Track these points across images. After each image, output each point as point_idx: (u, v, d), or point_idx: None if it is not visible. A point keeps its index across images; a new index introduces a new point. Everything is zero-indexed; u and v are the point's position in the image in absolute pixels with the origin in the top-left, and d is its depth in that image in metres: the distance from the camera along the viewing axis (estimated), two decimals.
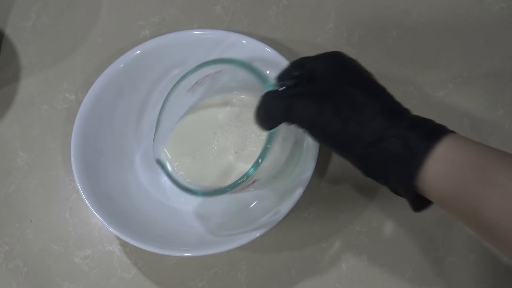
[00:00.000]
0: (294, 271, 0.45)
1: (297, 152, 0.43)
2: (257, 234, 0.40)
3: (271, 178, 0.42)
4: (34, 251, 0.47)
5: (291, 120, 0.35)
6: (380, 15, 0.55)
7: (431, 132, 0.31)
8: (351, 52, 0.53)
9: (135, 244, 0.41)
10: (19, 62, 0.56)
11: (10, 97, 0.54)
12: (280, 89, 0.36)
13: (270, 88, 0.36)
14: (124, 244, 0.47)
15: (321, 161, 0.48)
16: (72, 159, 0.44)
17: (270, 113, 0.35)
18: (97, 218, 0.42)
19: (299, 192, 0.42)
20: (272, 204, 0.44)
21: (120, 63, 0.48)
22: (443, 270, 0.44)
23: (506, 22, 0.53)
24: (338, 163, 0.49)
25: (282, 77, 0.37)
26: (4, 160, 0.51)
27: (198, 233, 0.45)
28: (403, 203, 0.47)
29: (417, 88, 0.50)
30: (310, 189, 0.43)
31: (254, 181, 0.38)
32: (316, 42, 0.54)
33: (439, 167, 0.30)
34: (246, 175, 0.36)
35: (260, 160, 0.36)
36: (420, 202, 0.33)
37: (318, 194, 0.47)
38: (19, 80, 0.55)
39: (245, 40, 0.48)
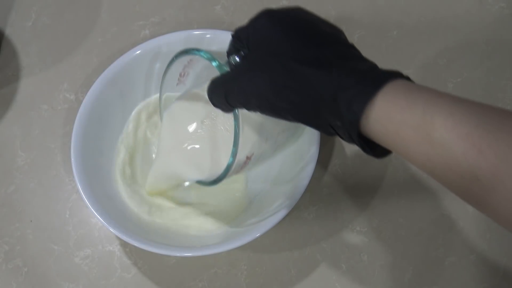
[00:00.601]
0: (294, 271, 0.45)
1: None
2: (257, 234, 0.40)
3: (270, 150, 0.41)
4: (34, 251, 0.47)
5: (233, 107, 0.33)
6: (380, 15, 0.55)
7: (373, 84, 0.29)
8: None
9: (135, 244, 0.41)
10: (19, 62, 0.56)
11: (10, 97, 0.54)
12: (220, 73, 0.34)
13: (223, 71, 0.35)
14: (124, 244, 0.47)
15: (321, 161, 0.48)
16: (72, 159, 0.44)
17: (214, 104, 0.34)
18: (97, 218, 0.42)
19: (299, 192, 0.42)
20: (272, 203, 0.44)
21: (120, 63, 0.48)
22: (443, 270, 0.44)
23: (506, 22, 0.53)
24: (338, 163, 0.49)
25: (230, 52, 0.36)
26: (4, 160, 0.51)
27: (198, 233, 0.45)
28: (403, 203, 0.47)
29: None
30: (310, 189, 0.43)
31: (247, 158, 0.38)
32: None
33: (377, 128, 0.29)
34: (227, 167, 0.36)
35: (234, 149, 0.36)
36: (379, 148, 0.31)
37: (318, 194, 0.47)
38: (19, 80, 0.55)
39: None
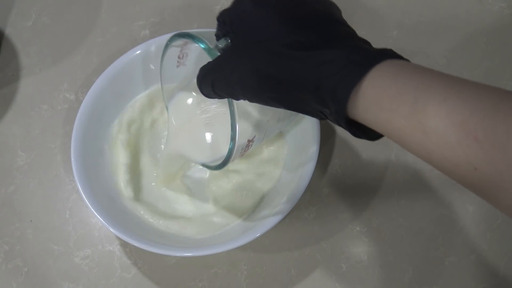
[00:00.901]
0: (294, 271, 0.45)
1: None
2: (257, 234, 0.40)
3: (272, 132, 0.41)
4: (34, 251, 0.47)
5: (220, 96, 0.32)
6: (380, 15, 0.55)
7: (361, 65, 0.28)
8: None
9: (135, 244, 0.41)
10: (19, 62, 0.56)
11: (10, 97, 0.54)
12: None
13: (212, 55, 0.34)
14: (124, 244, 0.47)
15: (321, 161, 0.48)
16: (72, 159, 0.44)
17: (204, 94, 0.33)
18: (97, 218, 0.42)
19: (299, 192, 0.42)
20: (272, 203, 0.44)
21: (120, 63, 0.48)
22: (443, 270, 0.44)
23: (506, 22, 0.53)
24: (338, 163, 0.49)
25: (217, 35, 0.35)
26: (4, 160, 0.51)
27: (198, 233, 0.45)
28: (403, 203, 0.47)
29: None
30: (310, 189, 0.43)
31: (248, 142, 0.38)
32: None
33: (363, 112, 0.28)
34: (229, 152, 0.37)
35: (233, 133, 0.35)
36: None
37: (318, 194, 0.47)
38: (19, 80, 0.55)
39: None
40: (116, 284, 0.46)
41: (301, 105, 0.30)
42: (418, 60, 0.52)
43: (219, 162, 0.39)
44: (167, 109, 0.44)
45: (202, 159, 0.42)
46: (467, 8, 0.54)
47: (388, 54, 0.28)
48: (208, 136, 0.42)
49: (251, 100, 0.32)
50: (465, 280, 0.44)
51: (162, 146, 0.49)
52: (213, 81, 0.32)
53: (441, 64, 0.52)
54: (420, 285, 0.44)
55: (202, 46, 0.35)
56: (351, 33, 0.31)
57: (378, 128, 0.28)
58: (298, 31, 0.30)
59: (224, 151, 0.38)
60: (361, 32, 0.54)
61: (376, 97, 0.27)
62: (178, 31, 0.38)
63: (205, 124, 0.42)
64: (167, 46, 0.40)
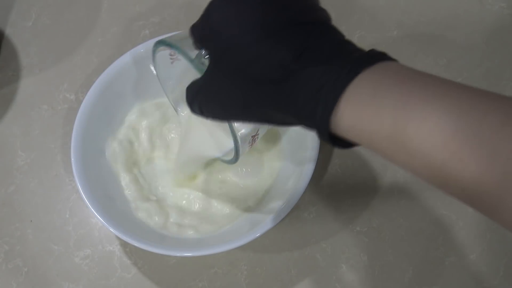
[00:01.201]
0: (294, 271, 0.45)
1: None
2: (257, 234, 0.40)
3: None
4: (34, 251, 0.47)
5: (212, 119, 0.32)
6: (380, 15, 0.55)
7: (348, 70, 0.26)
8: None
9: (135, 244, 0.41)
10: (19, 62, 0.56)
11: (10, 97, 0.54)
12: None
13: (199, 69, 0.32)
14: (124, 244, 0.47)
15: (321, 161, 0.48)
16: (72, 159, 0.44)
17: (195, 113, 0.33)
18: (97, 218, 0.42)
19: (299, 192, 0.42)
20: (272, 203, 0.44)
21: (120, 63, 0.48)
22: (443, 270, 0.44)
23: (506, 22, 0.53)
24: (338, 163, 0.49)
25: (196, 47, 0.33)
26: (4, 160, 0.51)
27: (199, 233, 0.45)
28: (403, 203, 0.47)
29: None
30: (310, 189, 0.43)
31: (253, 138, 0.39)
32: None
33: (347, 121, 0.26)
34: (236, 151, 0.37)
35: (233, 136, 0.36)
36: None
37: (318, 194, 0.47)
38: (19, 80, 0.55)
39: None
40: (116, 284, 0.46)
41: (288, 124, 0.30)
42: (418, 60, 0.52)
43: (232, 155, 0.40)
44: (176, 111, 0.44)
45: (218, 153, 0.42)
46: (467, 8, 0.54)
47: (366, 61, 0.26)
48: (221, 128, 0.42)
49: (237, 122, 0.32)
50: (465, 280, 0.44)
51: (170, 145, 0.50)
52: (200, 106, 0.32)
53: (441, 64, 0.52)
54: (420, 285, 0.44)
55: (187, 60, 0.34)
56: (330, 32, 0.30)
57: (363, 146, 0.27)
58: (270, 47, 0.28)
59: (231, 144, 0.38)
60: (361, 32, 0.54)
61: (355, 118, 0.26)
62: (160, 39, 0.37)
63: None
64: (154, 53, 0.39)
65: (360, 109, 0.25)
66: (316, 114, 0.27)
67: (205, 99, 0.32)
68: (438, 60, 0.52)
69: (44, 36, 0.57)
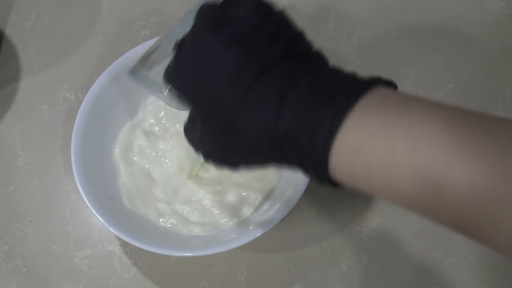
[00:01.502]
0: (294, 271, 0.45)
1: None
2: (257, 234, 0.40)
3: None
4: (34, 251, 0.47)
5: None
6: (380, 15, 0.55)
7: (338, 106, 0.25)
8: (351, 52, 0.53)
9: (135, 244, 0.41)
10: (19, 62, 0.56)
11: (10, 97, 0.54)
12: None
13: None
14: (124, 244, 0.47)
15: None
16: (72, 159, 0.44)
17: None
18: (97, 218, 0.42)
19: (299, 192, 0.42)
20: (272, 203, 0.44)
21: (120, 63, 0.48)
22: (443, 270, 0.44)
23: (506, 22, 0.53)
24: None
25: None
26: (4, 160, 0.51)
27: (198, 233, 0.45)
28: None
29: (417, 88, 0.50)
30: (310, 189, 0.43)
31: None
32: (317, 42, 0.54)
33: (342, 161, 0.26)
34: None
35: None
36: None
37: (318, 194, 0.47)
38: (19, 80, 0.55)
39: None
40: (116, 284, 0.46)
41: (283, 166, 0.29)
42: (418, 60, 0.52)
43: None
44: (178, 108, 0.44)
45: None
46: (467, 8, 0.54)
47: (353, 93, 0.25)
48: None
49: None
50: (465, 280, 0.44)
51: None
52: (217, 164, 0.32)
53: (441, 64, 0.52)
54: (420, 285, 0.44)
55: (159, 99, 0.34)
56: (313, 60, 0.28)
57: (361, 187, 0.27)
58: (251, 112, 0.27)
59: None
60: (361, 32, 0.54)
61: (347, 172, 0.25)
62: (130, 69, 0.37)
63: None
64: (134, 80, 0.39)
65: (350, 163, 0.25)
66: (310, 167, 0.27)
67: (193, 144, 0.32)
68: (438, 60, 0.52)
69: (44, 36, 0.57)
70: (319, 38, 0.54)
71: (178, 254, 0.42)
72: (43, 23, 0.58)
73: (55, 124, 0.52)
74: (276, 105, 0.26)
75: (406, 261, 0.45)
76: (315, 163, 0.26)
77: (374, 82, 0.26)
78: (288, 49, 0.28)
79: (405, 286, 0.44)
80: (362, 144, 0.24)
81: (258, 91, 0.26)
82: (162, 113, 0.50)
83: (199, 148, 0.33)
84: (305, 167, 0.27)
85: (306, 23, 0.55)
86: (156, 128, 0.50)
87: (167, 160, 0.48)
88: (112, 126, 0.49)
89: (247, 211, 0.46)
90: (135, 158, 0.49)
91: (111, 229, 0.41)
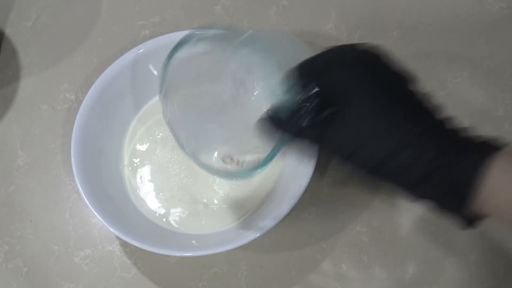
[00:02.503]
0: (294, 271, 0.45)
1: None
2: (257, 234, 0.40)
3: None
4: (34, 251, 0.47)
5: (322, 147, 0.32)
6: (380, 15, 0.55)
7: (480, 155, 0.29)
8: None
9: (135, 244, 0.41)
10: (19, 62, 0.56)
11: (10, 97, 0.54)
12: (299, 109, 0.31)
13: (286, 103, 0.31)
14: (124, 244, 0.47)
15: (321, 161, 0.48)
16: (72, 159, 0.44)
17: (299, 138, 0.32)
18: (97, 218, 0.42)
19: (299, 192, 0.42)
20: (272, 203, 0.44)
21: (120, 63, 0.48)
22: (443, 270, 0.44)
23: (506, 22, 0.53)
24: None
25: (292, 89, 0.32)
26: (4, 160, 0.51)
27: (198, 233, 0.45)
28: (403, 203, 0.47)
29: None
30: (310, 189, 0.43)
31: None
32: (316, 42, 0.54)
33: (495, 193, 0.29)
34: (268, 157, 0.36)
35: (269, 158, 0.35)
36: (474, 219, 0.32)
37: (318, 194, 0.47)
38: (19, 80, 0.55)
39: None
40: (116, 284, 0.46)
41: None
42: (418, 60, 0.52)
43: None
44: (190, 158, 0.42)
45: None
46: (467, 8, 0.54)
47: (495, 145, 0.30)
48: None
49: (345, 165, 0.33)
50: (465, 280, 0.44)
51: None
52: (327, 135, 0.31)
53: (441, 64, 0.52)
54: (420, 285, 0.44)
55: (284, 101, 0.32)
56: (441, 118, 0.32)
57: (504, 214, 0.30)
58: (410, 115, 0.31)
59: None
60: (361, 32, 0.54)
61: (499, 205, 0.29)
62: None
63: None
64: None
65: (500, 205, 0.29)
66: (451, 200, 0.30)
67: (342, 142, 0.32)
68: (438, 60, 0.52)
69: (44, 36, 0.57)
70: (319, 38, 0.54)
71: (178, 254, 0.42)
72: (43, 23, 0.58)
73: (55, 124, 0.52)
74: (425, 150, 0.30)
75: (406, 261, 0.45)
76: (459, 196, 0.29)
77: (498, 143, 0.30)
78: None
79: (405, 286, 0.44)
80: None
81: (410, 144, 0.30)
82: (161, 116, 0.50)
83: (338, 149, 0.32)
84: (442, 200, 0.31)
85: (306, 23, 0.55)
86: (157, 126, 0.50)
87: (169, 165, 0.49)
88: (112, 126, 0.49)
89: (247, 211, 0.46)
90: (136, 160, 0.49)
91: (111, 229, 0.41)
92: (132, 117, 0.50)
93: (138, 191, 0.47)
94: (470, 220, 0.31)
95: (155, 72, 0.50)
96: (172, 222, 0.46)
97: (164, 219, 0.46)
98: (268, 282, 0.45)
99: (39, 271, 0.47)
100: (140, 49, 0.48)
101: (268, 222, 0.41)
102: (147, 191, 0.48)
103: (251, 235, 0.40)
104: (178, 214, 0.46)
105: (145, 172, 0.48)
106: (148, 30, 0.56)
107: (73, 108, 0.53)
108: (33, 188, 0.50)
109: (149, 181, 0.48)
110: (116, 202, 0.45)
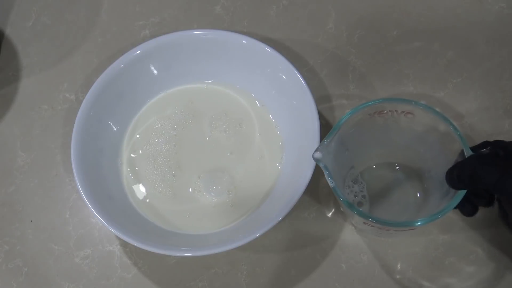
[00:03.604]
0: (294, 271, 0.45)
1: None
2: (257, 234, 0.40)
3: None
4: (34, 251, 0.47)
5: (496, 190, 0.34)
6: (380, 15, 0.55)
7: None
8: (351, 52, 0.53)
9: (135, 244, 0.41)
10: (19, 62, 0.56)
11: (10, 97, 0.54)
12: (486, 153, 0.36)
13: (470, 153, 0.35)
14: (124, 244, 0.47)
15: None
16: (72, 159, 0.44)
17: (473, 176, 0.34)
18: (97, 218, 0.42)
19: (299, 192, 0.42)
20: (272, 204, 0.44)
21: (120, 63, 0.48)
22: (443, 270, 0.44)
23: (506, 22, 0.53)
24: None
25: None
26: (4, 160, 0.51)
27: (198, 233, 0.45)
28: None
29: (417, 88, 0.50)
30: (310, 189, 0.43)
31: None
32: (316, 42, 0.54)
33: None
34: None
35: (439, 216, 0.36)
36: None
37: (318, 194, 0.47)
38: (19, 80, 0.55)
39: (245, 40, 0.48)
40: (116, 284, 0.46)
41: None
42: (417, 60, 0.52)
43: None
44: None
45: None
46: (467, 8, 0.54)
47: None
48: None
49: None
50: (465, 280, 0.44)
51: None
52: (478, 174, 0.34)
53: (441, 64, 0.52)
54: (420, 285, 0.44)
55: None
56: None
57: None
58: None
59: None
60: (361, 32, 0.54)
61: None
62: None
63: None
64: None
65: None
66: None
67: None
68: (438, 60, 0.52)
69: (44, 36, 0.57)
70: (319, 38, 0.54)
71: (178, 254, 0.42)
72: (43, 23, 0.58)
73: (55, 124, 0.52)
74: None
75: (406, 261, 0.45)
76: None
77: None
78: None
79: (405, 286, 0.44)
80: None
81: None
82: (161, 116, 0.50)
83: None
84: None
85: (306, 23, 0.55)
86: (157, 126, 0.50)
87: (169, 165, 0.49)
88: (112, 126, 0.49)
89: (247, 211, 0.46)
90: (136, 160, 0.49)
91: (111, 229, 0.41)
92: (132, 117, 0.50)
93: (137, 191, 0.47)
94: None
95: (155, 72, 0.50)
96: (172, 222, 0.46)
97: (164, 219, 0.46)
98: (268, 282, 0.45)
99: (39, 271, 0.47)
100: (140, 49, 0.48)
101: (267, 222, 0.41)
102: (147, 191, 0.48)
103: (251, 235, 0.40)
104: (178, 214, 0.46)
105: (145, 172, 0.48)
106: (148, 30, 0.56)
107: (73, 108, 0.53)
108: (33, 188, 0.50)
109: (149, 181, 0.48)
110: (116, 202, 0.45)
